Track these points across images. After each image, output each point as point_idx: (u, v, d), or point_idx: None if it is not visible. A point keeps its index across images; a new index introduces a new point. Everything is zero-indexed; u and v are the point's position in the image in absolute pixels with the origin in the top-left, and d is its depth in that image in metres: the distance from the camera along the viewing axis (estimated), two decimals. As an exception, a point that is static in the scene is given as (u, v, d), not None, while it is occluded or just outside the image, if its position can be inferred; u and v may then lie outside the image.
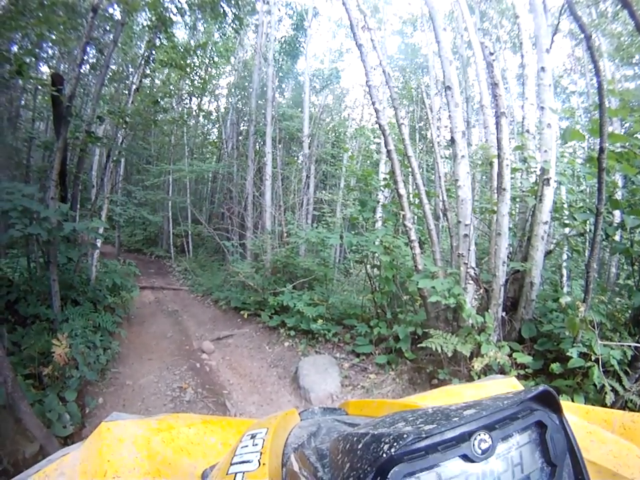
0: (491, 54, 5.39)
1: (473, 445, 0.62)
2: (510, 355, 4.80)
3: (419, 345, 5.36)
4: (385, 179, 8.43)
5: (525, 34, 6.00)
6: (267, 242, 11.06)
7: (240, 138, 17.59)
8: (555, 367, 4.35)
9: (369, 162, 15.95)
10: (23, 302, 5.68)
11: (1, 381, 3.39)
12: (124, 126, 8.85)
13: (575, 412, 0.89)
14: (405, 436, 0.57)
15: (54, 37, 7.30)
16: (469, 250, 5.48)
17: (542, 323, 5.21)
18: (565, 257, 7.40)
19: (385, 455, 0.56)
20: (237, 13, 8.27)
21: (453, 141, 5.65)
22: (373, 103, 6.38)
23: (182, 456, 1.20)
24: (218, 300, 10.29)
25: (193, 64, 14.93)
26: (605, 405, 3.75)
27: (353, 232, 8.43)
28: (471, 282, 5.47)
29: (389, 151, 6.10)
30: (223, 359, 6.99)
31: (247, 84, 16.64)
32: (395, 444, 0.56)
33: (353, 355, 6.76)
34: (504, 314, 5.40)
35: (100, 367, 5.54)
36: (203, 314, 9.84)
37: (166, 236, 18.37)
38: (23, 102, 10.71)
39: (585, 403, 3.96)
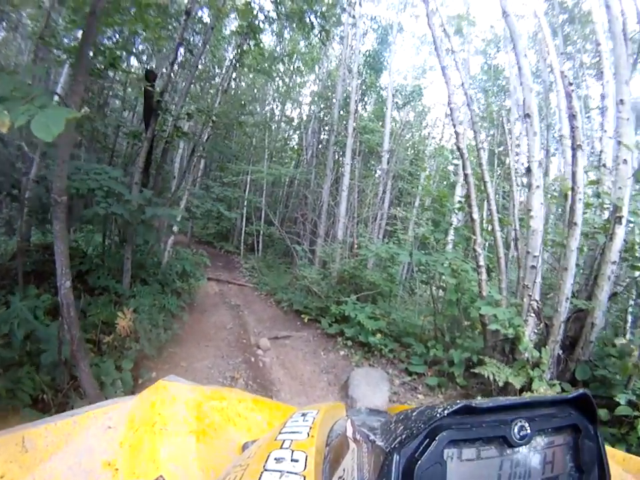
0: (570, 84, 5.20)
1: (513, 429, 0.64)
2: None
3: (471, 372, 5.34)
4: (459, 201, 8.39)
5: (605, 63, 5.79)
6: (336, 251, 11.17)
7: (320, 147, 17.68)
8: (603, 413, 4.16)
9: (445, 183, 15.76)
10: (93, 274, 6.02)
11: (68, 338, 3.71)
12: (210, 124, 9.23)
13: (611, 456, 0.83)
14: (458, 402, 0.61)
15: (147, 35, 7.62)
16: (535, 282, 5.39)
17: (597, 367, 5.02)
18: (631, 302, 6.99)
19: (438, 416, 0.58)
20: (323, 25, 8.40)
21: (529, 170, 5.57)
22: (454, 126, 6.42)
23: (228, 425, 1.27)
24: (281, 301, 10.35)
25: (278, 71, 15.38)
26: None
27: (422, 251, 8.40)
28: (533, 315, 5.38)
29: (466, 175, 6.12)
30: (277, 358, 7.09)
31: (330, 94, 16.71)
32: (448, 408, 0.59)
33: (405, 373, 6.76)
34: (561, 352, 5.25)
35: (159, 345, 5.80)
36: (264, 312, 9.95)
37: (237, 233, 18.61)
38: (112, 92, 11.29)
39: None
